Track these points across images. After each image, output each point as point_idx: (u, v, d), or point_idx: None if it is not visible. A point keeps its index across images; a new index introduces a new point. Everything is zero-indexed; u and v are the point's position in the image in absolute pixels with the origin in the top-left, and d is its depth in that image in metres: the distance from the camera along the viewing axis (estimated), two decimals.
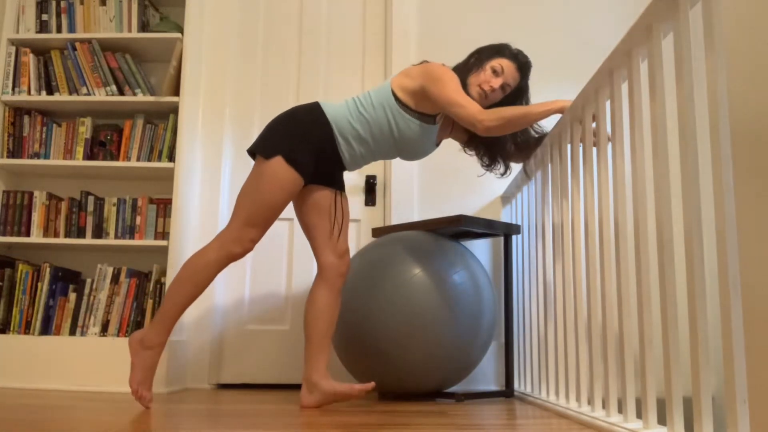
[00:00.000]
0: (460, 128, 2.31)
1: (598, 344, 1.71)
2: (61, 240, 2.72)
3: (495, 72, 2.12)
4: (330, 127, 2.04)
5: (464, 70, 2.16)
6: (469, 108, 1.97)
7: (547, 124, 2.93)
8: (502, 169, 2.32)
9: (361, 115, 2.05)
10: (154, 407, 1.92)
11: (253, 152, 2.06)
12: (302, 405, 2.04)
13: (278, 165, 1.97)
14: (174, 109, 2.86)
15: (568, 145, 1.99)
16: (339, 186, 2.17)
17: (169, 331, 1.95)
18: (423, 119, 2.07)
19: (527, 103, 2.21)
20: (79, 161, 2.77)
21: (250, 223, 1.97)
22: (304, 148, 2.00)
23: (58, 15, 2.88)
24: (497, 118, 1.95)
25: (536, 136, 2.31)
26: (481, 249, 2.93)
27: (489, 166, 2.32)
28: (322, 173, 2.11)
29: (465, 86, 2.12)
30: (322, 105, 2.07)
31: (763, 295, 0.94)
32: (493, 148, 2.28)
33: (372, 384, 2.02)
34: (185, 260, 2.79)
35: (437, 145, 2.23)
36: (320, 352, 2.06)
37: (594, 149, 1.90)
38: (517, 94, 2.20)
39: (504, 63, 2.13)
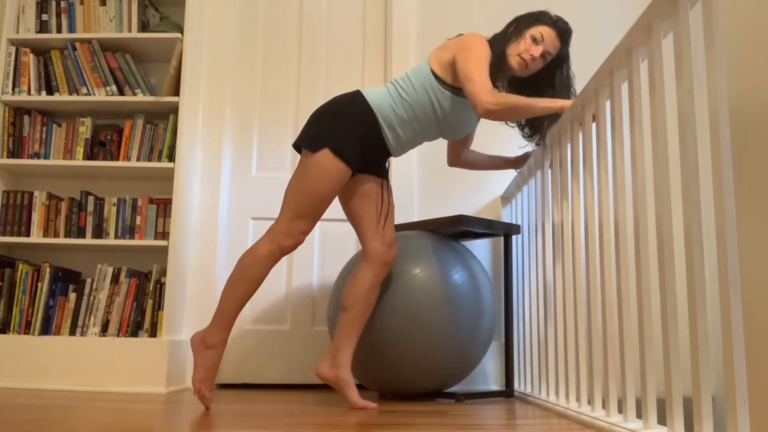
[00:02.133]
0: None
1: (598, 344, 1.71)
2: (61, 240, 2.72)
3: (535, 40, 2.08)
4: (374, 115, 2.03)
5: (503, 40, 2.12)
6: (478, 86, 1.93)
7: None
8: (540, 139, 2.28)
9: (403, 99, 2.04)
10: (152, 407, 1.93)
11: (298, 146, 2.06)
12: (317, 370, 2.06)
13: (325, 157, 1.96)
14: (174, 109, 2.86)
15: (568, 145, 1.99)
16: (384, 174, 2.17)
17: (228, 329, 1.96)
18: (463, 94, 2.05)
19: (568, 70, 2.17)
20: (79, 161, 2.77)
21: (299, 216, 1.97)
22: (349, 139, 1.99)
23: (58, 15, 2.88)
24: (500, 103, 1.92)
25: (504, 163, 2.37)
26: (481, 249, 2.93)
27: (531, 136, 2.28)
28: (368, 162, 2.10)
29: (504, 56, 2.09)
30: (364, 93, 2.06)
31: (763, 295, 0.94)
32: (534, 119, 2.24)
33: (375, 406, 2.03)
34: (186, 260, 2.80)
35: (479, 119, 2.20)
36: (352, 334, 2.05)
37: (593, 149, 1.90)
38: (558, 62, 2.15)
39: (544, 30, 2.09)
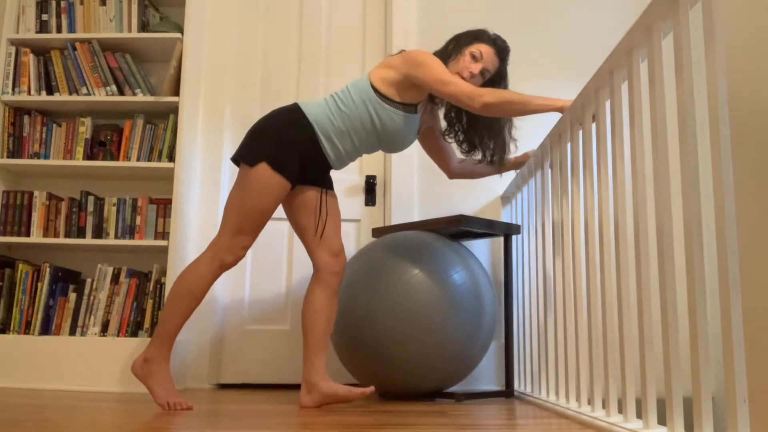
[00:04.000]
0: (434, 116, 2.33)
1: (598, 344, 1.71)
2: (61, 240, 2.72)
3: (474, 57, 2.13)
4: (311, 127, 2.02)
5: (443, 56, 2.17)
6: (462, 85, 1.97)
7: (548, 123, 2.93)
8: (479, 156, 2.31)
9: (341, 111, 2.04)
10: (153, 407, 1.92)
11: (236, 160, 2.05)
12: (301, 405, 2.04)
13: (263, 172, 1.95)
14: (174, 109, 2.86)
15: (568, 145, 1.99)
16: (326, 185, 2.15)
17: (170, 345, 1.94)
18: (406, 109, 2.07)
19: (506, 88, 2.22)
20: (79, 161, 2.77)
21: (240, 232, 1.96)
22: (287, 152, 1.98)
23: (58, 15, 2.88)
24: (497, 96, 1.95)
25: (510, 159, 2.35)
26: (481, 249, 2.93)
27: (468, 152, 2.32)
28: (308, 174, 2.10)
29: None
30: (302, 105, 2.06)
31: (763, 295, 0.94)
32: (470, 136, 2.29)
33: (372, 388, 2.02)
34: (186, 260, 2.80)
35: (418, 133, 2.23)
36: (319, 353, 2.05)
37: (593, 148, 1.90)
38: (496, 79, 2.20)
39: (483, 48, 2.14)
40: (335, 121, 2.04)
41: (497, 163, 2.32)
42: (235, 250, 1.96)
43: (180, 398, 1.89)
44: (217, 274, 1.96)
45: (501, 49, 2.17)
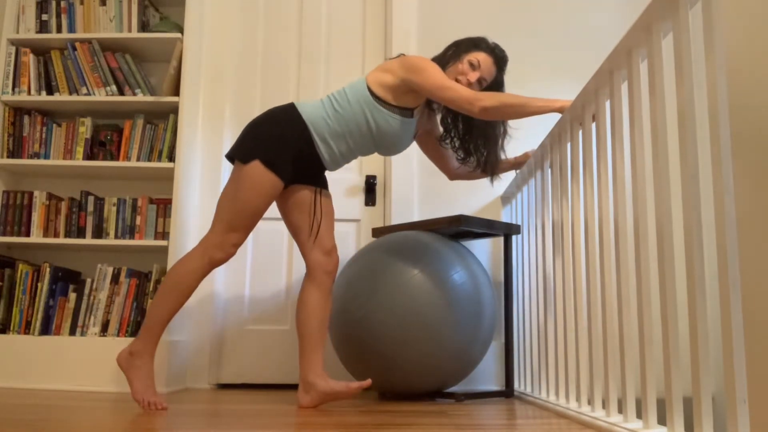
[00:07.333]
0: (431, 121, 2.33)
1: (598, 344, 1.71)
2: (61, 240, 2.72)
3: (472, 65, 2.13)
4: (306, 127, 2.03)
5: (441, 62, 2.17)
6: (460, 90, 1.97)
7: (548, 123, 2.93)
8: (474, 163, 2.30)
9: (337, 112, 2.04)
10: (154, 407, 1.92)
11: (231, 157, 2.05)
12: (300, 405, 2.04)
13: (256, 169, 1.95)
14: (174, 109, 2.86)
15: (568, 145, 1.99)
16: (321, 184, 2.16)
17: (156, 341, 1.94)
18: (402, 113, 2.07)
19: None
20: (79, 161, 2.77)
21: (231, 229, 1.96)
22: (281, 151, 1.99)
23: (58, 15, 2.88)
24: (496, 100, 1.94)
25: (503, 165, 2.34)
26: (481, 249, 2.93)
27: (463, 159, 2.32)
28: (302, 173, 2.10)
29: None
30: (298, 105, 2.06)
31: (763, 295, 0.94)
32: (466, 143, 2.29)
33: (368, 382, 2.01)
34: None
35: (414, 138, 2.23)
36: (314, 352, 2.05)
37: (593, 149, 1.90)
38: (493, 88, 2.21)
39: (481, 57, 2.14)
40: (330, 122, 2.04)
41: (490, 171, 2.31)
42: (225, 247, 1.97)
43: (157, 398, 1.89)
44: (206, 271, 1.97)
45: (499, 59, 2.18)
